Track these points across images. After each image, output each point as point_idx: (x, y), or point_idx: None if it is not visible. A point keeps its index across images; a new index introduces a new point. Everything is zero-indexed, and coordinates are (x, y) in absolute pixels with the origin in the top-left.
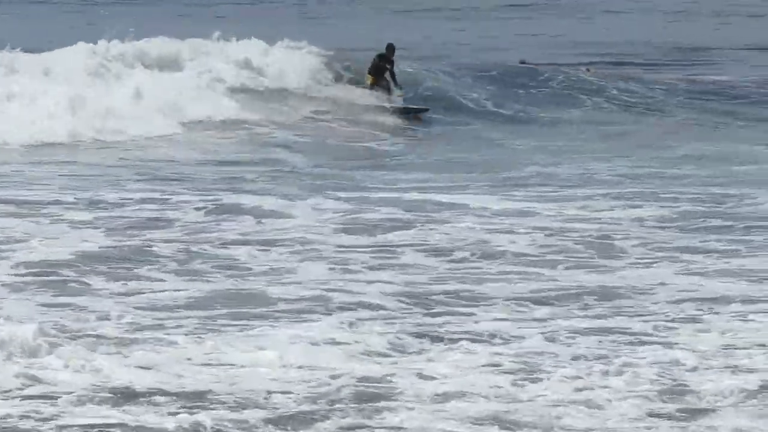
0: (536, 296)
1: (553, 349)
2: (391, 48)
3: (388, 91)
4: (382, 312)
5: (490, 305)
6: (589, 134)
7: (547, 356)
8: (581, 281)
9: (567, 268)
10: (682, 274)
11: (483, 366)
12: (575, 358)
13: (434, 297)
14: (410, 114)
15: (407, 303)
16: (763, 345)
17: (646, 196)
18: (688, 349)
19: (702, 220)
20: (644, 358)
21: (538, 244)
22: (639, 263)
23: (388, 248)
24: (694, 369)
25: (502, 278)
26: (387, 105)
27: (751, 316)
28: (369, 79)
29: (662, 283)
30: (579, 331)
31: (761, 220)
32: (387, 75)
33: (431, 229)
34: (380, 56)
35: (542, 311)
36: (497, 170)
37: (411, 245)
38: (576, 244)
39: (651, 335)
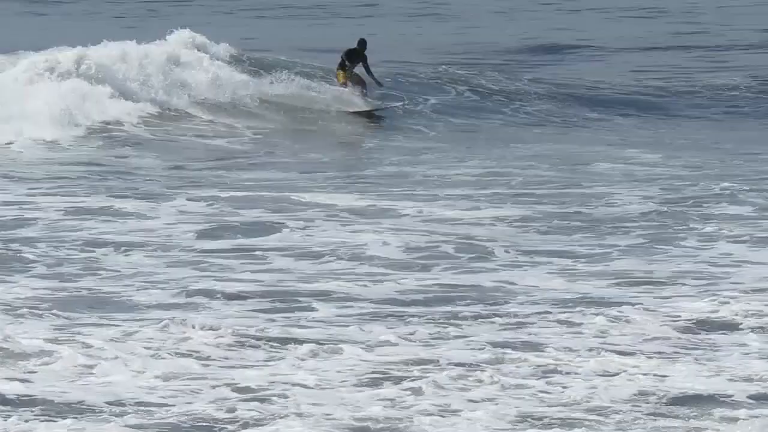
0: (405, 299)
1: (424, 354)
2: (363, 42)
3: (362, 84)
4: (250, 316)
5: (361, 308)
6: (446, 130)
7: (418, 361)
8: (451, 283)
9: (435, 271)
10: (552, 276)
11: (358, 374)
12: (446, 362)
13: (303, 300)
14: (386, 109)
15: (276, 308)
16: (636, 351)
17: (507, 196)
18: (560, 353)
19: (566, 222)
20: (517, 362)
21: (405, 246)
22: (508, 265)
23: (252, 250)
24: (567, 374)
25: (371, 280)
26: (362, 106)
27: (621, 319)
28: (340, 76)
29: (533, 286)
30: (449, 336)
31: (625, 221)
32: (358, 69)
33: (296, 230)
34: (350, 51)
35: (412, 314)
36: (354, 169)
37: (276, 247)
38: (443, 245)
39: (522, 339)
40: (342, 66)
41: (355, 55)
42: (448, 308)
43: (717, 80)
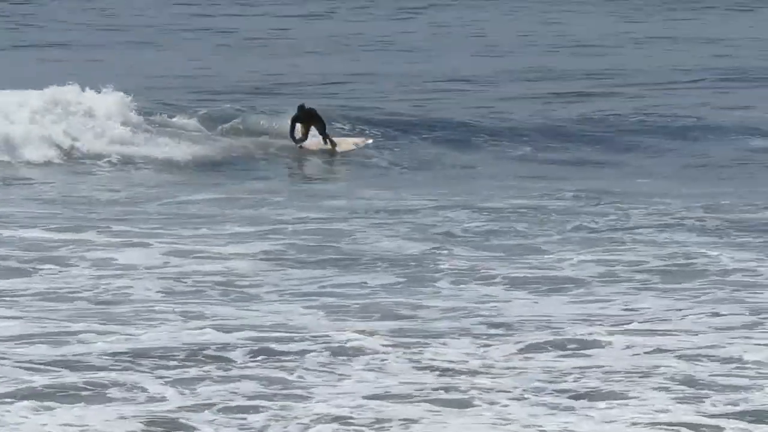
0: (170, 344)
1: (189, 402)
2: (301, 108)
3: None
4: (8, 365)
5: (125, 356)
6: (185, 165)
7: (185, 408)
8: (214, 324)
9: (198, 312)
10: (312, 315)
11: (123, 426)
12: (214, 410)
13: (64, 347)
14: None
15: (35, 356)
16: (405, 398)
17: (252, 234)
18: (330, 399)
19: (318, 258)
20: (288, 411)
21: (165, 288)
22: (269, 304)
23: (3, 294)
24: (341, 424)
25: (135, 325)
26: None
27: (385, 364)
28: (299, 132)
29: (300, 326)
30: (216, 382)
31: (377, 259)
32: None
33: (47, 272)
34: (297, 117)
35: (178, 361)
36: (91, 204)
37: (30, 290)
38: (202, 285)
39: (291, 387)
40: (294, 127)
41: (304, 118)
42: (215, 352)
43: (452, 108)
